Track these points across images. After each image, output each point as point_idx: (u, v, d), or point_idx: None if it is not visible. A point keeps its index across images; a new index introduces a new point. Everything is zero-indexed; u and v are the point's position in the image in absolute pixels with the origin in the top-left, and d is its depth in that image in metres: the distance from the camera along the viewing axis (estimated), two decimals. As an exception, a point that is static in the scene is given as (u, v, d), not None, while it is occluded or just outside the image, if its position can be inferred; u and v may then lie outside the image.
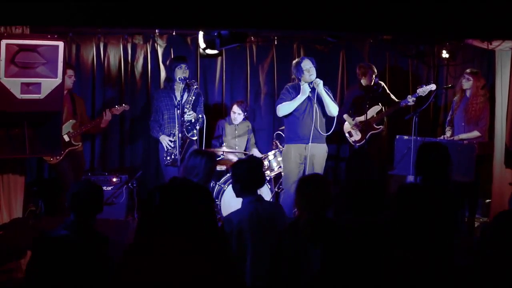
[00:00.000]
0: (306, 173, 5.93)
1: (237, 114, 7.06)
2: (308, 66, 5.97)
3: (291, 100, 5.99)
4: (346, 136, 7.12)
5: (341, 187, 3.57)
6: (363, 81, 7.01)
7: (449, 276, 2.85)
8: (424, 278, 2.86)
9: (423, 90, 6.56)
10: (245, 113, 7.12)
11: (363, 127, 6.91)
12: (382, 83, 7.13)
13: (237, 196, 3.94)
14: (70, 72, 6.12)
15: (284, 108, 6.02)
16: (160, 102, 6.29)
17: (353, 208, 3.45)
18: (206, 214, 2.63)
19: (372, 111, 6.95)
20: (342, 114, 7.16)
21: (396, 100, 6.95)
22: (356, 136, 6.98)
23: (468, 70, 6.55)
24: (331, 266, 3.01)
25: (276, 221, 3.84)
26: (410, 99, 6.63)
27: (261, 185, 4.00)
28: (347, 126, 7.12)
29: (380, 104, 6.98)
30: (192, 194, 2.57)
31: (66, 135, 6.04)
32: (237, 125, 7.14)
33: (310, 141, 5.94)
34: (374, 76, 6.94)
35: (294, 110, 5.99)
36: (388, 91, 7.11)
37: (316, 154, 6.02)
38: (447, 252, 3.48)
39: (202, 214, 2.59)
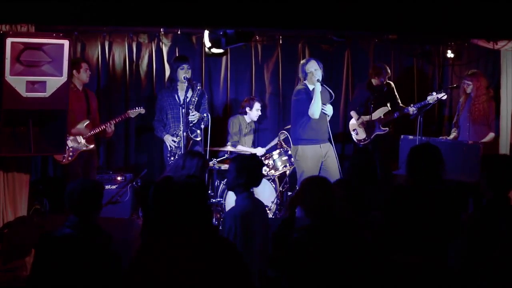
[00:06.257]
0: (321, 173, 5.94)
1: (260, 110, 7.09)
2: (312, 68, 5.95)
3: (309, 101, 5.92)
4: (351, 133, 7.11)
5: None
6: (374, 81, 6.99)
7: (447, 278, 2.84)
8: (423, 281, 2.85)
9: (433, 98, 6.51)
10: None
11: (368, 126, 6.89)
12: (392, 83, 7.10)
13: (230, 189, 3.95)
14: (85, 65, 6.17)
15: (316, 108, 5.87)
16: (164, 102, 6.29)
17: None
18: (206, 211, 2.60)
19: (380, 112, 6.93)
20: (350, 111, 7.17)
21: (401, 104, 6.95)
22: (362, 134, 6.96)
23: (468, 73, 6.61)
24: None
25: (265, 216, 3.97)
26: (411, 109, 6.62)
27: (257, 185, 3.95)
28: (353, 124, 7.10)
29: (388, 105, 6.97)
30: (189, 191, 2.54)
31: (80, 137, 6.06)
32: (248, 123, 7.13)
33: (324, 141, 6.01)
34: (387, 77, 6.95)
35: (307, 112, 5.94)
36: (395, 92, 7.08)
37: (329, 153, 6.03)
38: (444, 254, 3.44)
39: (203, 211, 2.56)
